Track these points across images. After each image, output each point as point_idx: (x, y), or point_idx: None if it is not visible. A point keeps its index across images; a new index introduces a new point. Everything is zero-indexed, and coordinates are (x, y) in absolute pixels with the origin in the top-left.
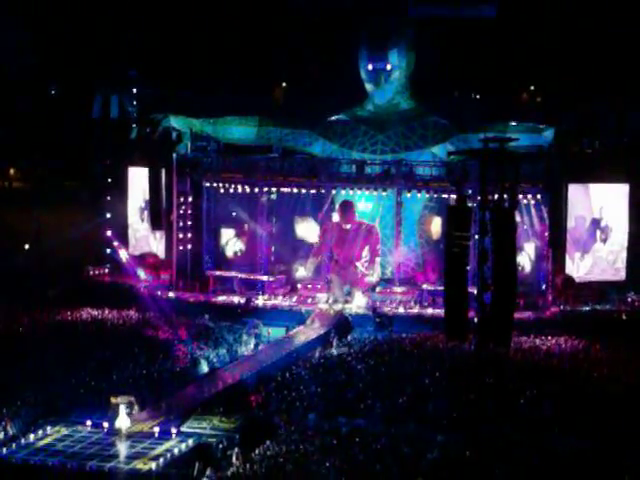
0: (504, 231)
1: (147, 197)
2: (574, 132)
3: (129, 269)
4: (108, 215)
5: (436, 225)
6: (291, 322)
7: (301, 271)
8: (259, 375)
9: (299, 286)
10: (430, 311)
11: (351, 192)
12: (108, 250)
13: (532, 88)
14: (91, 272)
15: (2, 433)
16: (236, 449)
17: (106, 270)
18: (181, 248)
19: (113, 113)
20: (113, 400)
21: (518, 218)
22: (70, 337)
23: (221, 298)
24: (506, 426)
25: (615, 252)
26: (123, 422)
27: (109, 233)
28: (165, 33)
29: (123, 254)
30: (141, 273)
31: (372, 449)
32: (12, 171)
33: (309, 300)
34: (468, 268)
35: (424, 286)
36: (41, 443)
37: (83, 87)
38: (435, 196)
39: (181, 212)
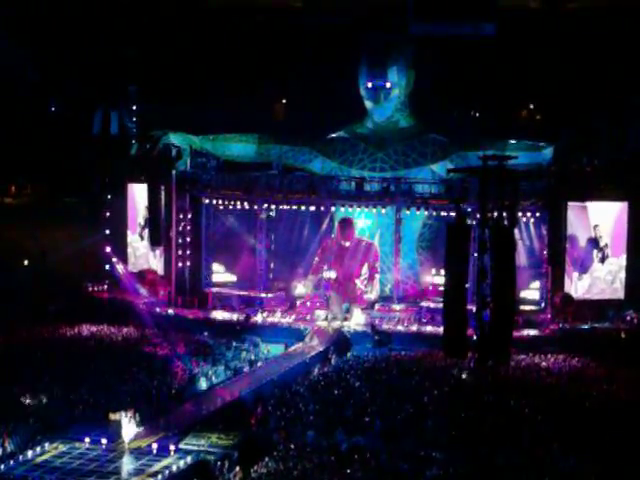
0: (503, 249)
1: (146, 214)
2: (573, 150)
3: (128, 285)
4: (107, 231)
5: None
6: (290, 339)
7: (300, 288)
8: (258, 392)
9: (298, 303)
10: (429, 328)
11: (350, 209)
12: (107, 266)
13: (531, 106)
14: (90, 288)
15: (0, 449)
16: (235, 466)
17: (105, 286)
18: (180, 265)
19: (113, 129)
20: (112, 417)
21: (517, 236)
22: (69, 353)
23: (220, 315)
24: (505, 444)
25: (613, 272)
26: (123, 437)
27: (108, 249)
28: (165, 50)
29: (121, 269)
30: (141, 289)
31: (371, 466)
32: (13, 188)
33: (308, 317)
34: (467, 286)
35: (423, 303)
36: (39, 459)
37: (83, 103)
38: (434, 214)
39: (180, 229)
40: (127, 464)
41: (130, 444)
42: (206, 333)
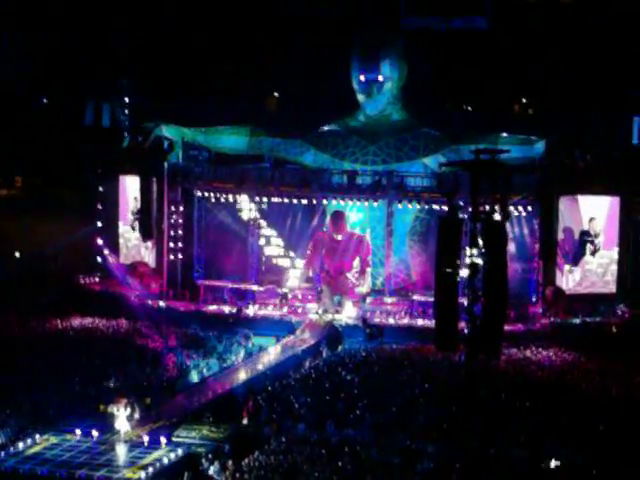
0: (495, 243)
1: (138, 206)
2: (565, 144)
3: (120, 277)
4: (99, 223)
5: None
6: (281, 332)
7: (292, 281)
8: (249, 385)
9: (289, 296)
10: (420, 322)
11: (342, 202)
12: (99, 258)
13: (524, 100)
14: (82, 280)
15: None
16: (226, 459)
17: (97, 279)
18: (172, 257)
19: (105, 122)
20: (104, 409)
21: (509, 230)
22: (60, 345)
23: (212, 308)
24: (496, 438)
25: (604, 265)
26: (122, 425)
27: (100, 241)
28: (157, 42)
29: (112, 261)
30: (133, 282)
31: (362, 459)
32: (5, 180)
33: (299, 310)
34: (458, 279)
35: (415, 297)
36: (30, 451)
37: (75, 96)
38: (426, 207)
39: (172, 221)
40: (121, 455)
41: (124, 436)
42: (197, 326)
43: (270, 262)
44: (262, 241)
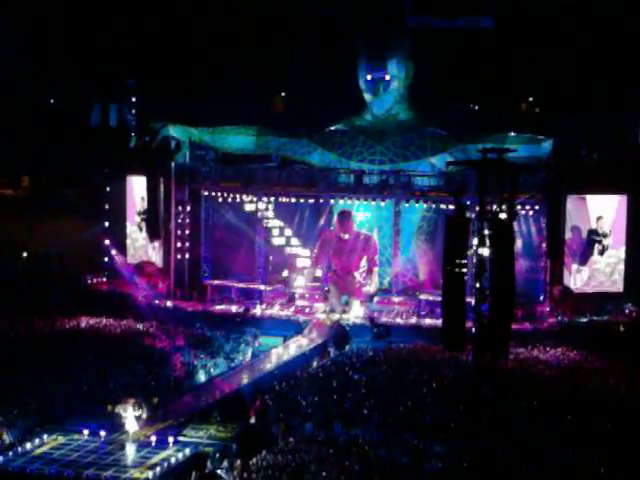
0: (502, 242)
1: (145, 206)
2: (573, 143)
3: (127, 277)
4: (106, 224)
5: None
6: (289, 332)
7: (299, 281)
8: (256, 384)
9: (297, 296)
10: (428, 321)
11: (349, 202)
12: (106, 258)
13: (531, 99)
14: (89, 280)
15: None
16: (234, 459)
17: (104, 279)
18: (179, 257)
19: (112, 122)
20: (113, 409)
21: (516, 229)
22: (68, 345)
23: (219, 307)
24: (504, 438)
25: (612, 264)
26: (130, 425)
27: (107, 242)
28: (164, 42)
29: (120, 261)
30: (140, 282)
31: (369, 459)
32: (13, 180)
33: (307, 310)
34: (466, 279)
35: (422, 296)
36: (38, 451)
37: (81, 96)
38: (433, 206)
39: (179, 221)
40: (129, 455)
41: (131, 435)
42: (202, 326)
43: (287, 260)
44: (282, 240)
